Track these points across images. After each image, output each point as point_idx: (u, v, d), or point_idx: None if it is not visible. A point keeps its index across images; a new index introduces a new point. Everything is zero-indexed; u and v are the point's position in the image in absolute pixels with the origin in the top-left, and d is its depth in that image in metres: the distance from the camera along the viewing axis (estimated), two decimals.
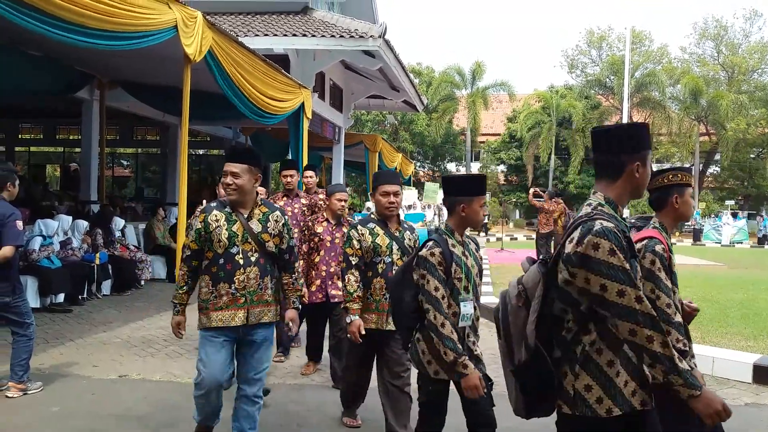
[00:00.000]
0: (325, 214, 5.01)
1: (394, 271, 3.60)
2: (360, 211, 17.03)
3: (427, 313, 2.81)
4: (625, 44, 28.11)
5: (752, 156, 38.15)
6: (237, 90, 7.28)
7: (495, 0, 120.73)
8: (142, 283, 9.91)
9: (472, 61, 49.47)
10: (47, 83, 9.20)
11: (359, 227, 3.84)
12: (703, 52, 38.83)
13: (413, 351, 3.00)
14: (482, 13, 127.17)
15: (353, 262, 3.75)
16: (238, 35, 9.94)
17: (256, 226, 3.36)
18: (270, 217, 3.42)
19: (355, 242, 3.78)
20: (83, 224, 9.02)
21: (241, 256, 3.31)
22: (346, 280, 3.74)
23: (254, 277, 3.32)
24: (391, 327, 3.51)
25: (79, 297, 8.36)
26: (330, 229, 4.92)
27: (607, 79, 36.66)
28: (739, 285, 11.23)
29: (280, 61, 10.01)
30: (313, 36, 12.03)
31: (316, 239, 4.88)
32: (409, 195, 17.00)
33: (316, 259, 4.89)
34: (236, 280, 3.29)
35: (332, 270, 4.87)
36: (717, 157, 37.83)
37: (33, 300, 7.29)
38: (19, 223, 4.47)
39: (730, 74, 37.07)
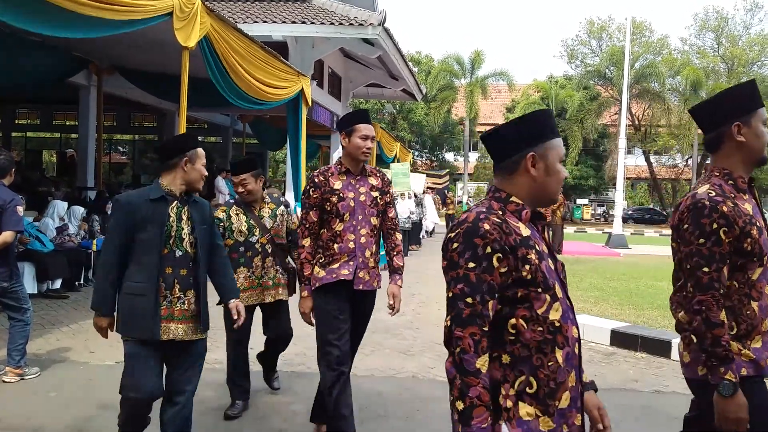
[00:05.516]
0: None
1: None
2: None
3: None
4: (625, 35, 28.01)
5: None
6: (231, 78, 7.24)
7: None
8: None
9: (471, 50, 49.33)
10: (43, 68, 9.16)
11: None
12: (703, 44, 38.75)
13: None
14: (483, 2, 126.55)
15: None
16: (236, 21, 9.89)
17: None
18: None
19: None
20: (79, 210, 9.01)
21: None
22: None
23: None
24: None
25: (76, 283, 8.36)
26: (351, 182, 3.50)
27: (607, 70, 36.51)
28: None
29: (279, 49, 9.96)
30: (312, 23, 11.98)
31: (334, 198, 3.42)
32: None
33: (338, 228, 3.42)
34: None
35: (363, 241, 3.46)
36: None
37: (30, 286, 7.28)
38: (20, 209, 4.50)
39: (730, 66, 36.96)
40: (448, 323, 1.64)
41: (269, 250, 4.10)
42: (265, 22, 11.86)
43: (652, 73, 34.10)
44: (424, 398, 4.52)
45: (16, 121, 20.22)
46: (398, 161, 22.07)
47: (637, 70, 33.88)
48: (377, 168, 3.71)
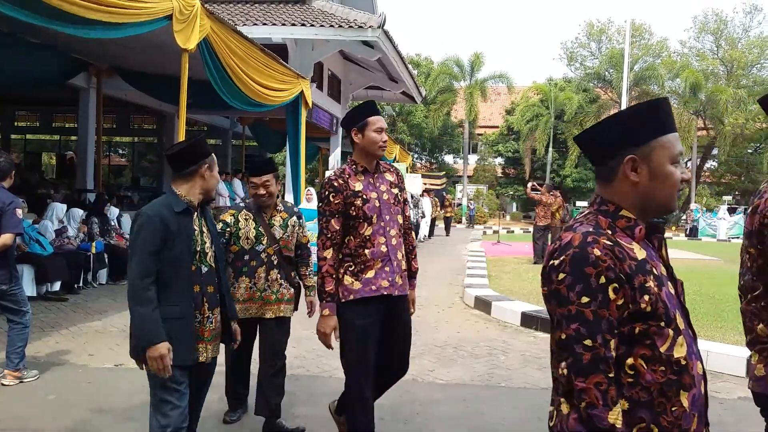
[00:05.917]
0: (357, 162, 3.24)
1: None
2: None
3: None
4: (624, 37, 28.05)
5: (750, 151, 38.20)
6: (231, 80, 7.25)
7: None
8: None
9: (471, 53, 49.42)
10: (43, 70, 9.17)
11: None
12: (702, 46, 38.79)
13: None
14: (483, 4, 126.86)
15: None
16: (236, 24, 9.90)
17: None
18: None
19: None
20: (79, 212, 9.01)
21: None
22: None
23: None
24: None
25: (75, 286, 8.35)
26: (370, 181, 3.22)
27: (606, 72, 36.54)
28: (733, 279, 11.18)
29: (279, 51, 9.97)
30: (312, 25, 11.98)
31: (359, 201, 3.13)
32: None
33: (367, 232, 3.14)
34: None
35: (394, 242, 3.21)
36: (715, 152, 37.83)
37: (29, 288, 7.28)
38: (19, 211, 4.52)
39: (729, 69, 37.01)
40: (565, 371, 1.36)
41: (275, 262, 3.77)
42: (264, 24, 11.87)
43: (651, 75, 34.15)
44: (423, 401, 4.51)
45: (16, 123, 20.20)
46: (398, 163, 22.14)
47: (637, 73, 33.93)
48: (389, 163, 3.46)
